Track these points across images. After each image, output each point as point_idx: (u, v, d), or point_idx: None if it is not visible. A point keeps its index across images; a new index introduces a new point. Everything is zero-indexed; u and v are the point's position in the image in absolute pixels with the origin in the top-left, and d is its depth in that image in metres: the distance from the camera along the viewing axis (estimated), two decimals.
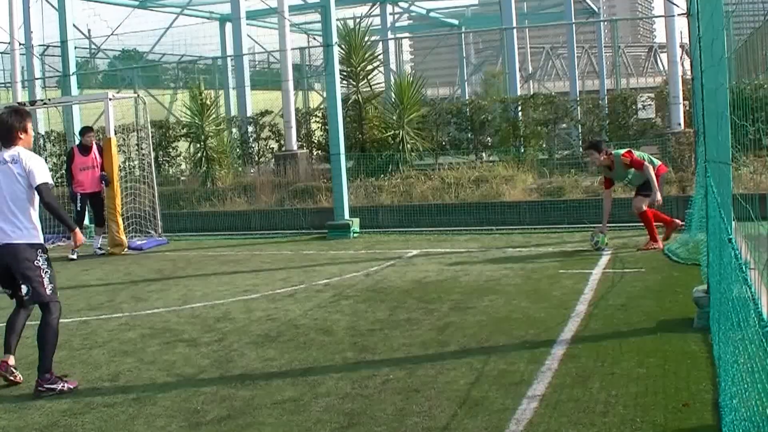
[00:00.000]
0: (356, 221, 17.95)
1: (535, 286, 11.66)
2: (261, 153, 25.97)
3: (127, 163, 20.71)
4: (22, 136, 8.70)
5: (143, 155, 20.52)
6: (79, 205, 18.13)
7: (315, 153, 25.47)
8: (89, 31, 37.27)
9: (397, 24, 46.51)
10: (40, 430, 7.12)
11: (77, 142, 19.13)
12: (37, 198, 8.55)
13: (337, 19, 21.80)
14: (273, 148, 25.69)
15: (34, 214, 8.59)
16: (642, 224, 14.56)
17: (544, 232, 16.82)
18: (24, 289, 8.62)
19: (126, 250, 18.09)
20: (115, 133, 18.94)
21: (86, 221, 19.23)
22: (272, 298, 11.98)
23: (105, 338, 10.27)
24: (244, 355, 8.98)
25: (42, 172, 8.56)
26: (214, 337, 9.85)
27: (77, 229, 9.08)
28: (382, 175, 21.06)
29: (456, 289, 11.76)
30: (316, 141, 25.86)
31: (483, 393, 7.22)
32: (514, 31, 29.24)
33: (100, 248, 18.12)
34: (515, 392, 7.17)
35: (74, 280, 14.98)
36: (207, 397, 7.62)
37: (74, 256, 17.49)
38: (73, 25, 26.48)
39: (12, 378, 8.61)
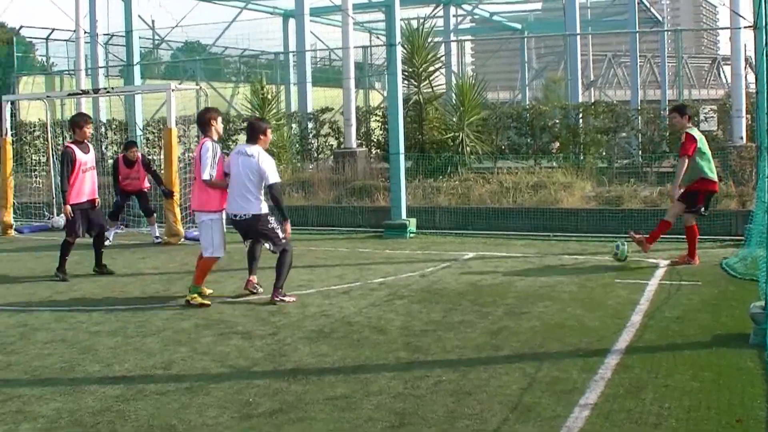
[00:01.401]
0: (413, 221, 17.92)
1: (590, 295, 11.58)
2: (320, 150, 26.05)
3: (186, 155, 20.82)
4: (263, 137, 11.77)
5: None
6: (119, 199, 18.44)
7: (374, 152, 25.49)
8: (153, 22, 37.66)
9: (459, 26, 46.47)
10: (93, 414, 7.19)
11: (127, 143, 19.30)
12: (262, 183, 11.45)
13: (401, 19, 21.81)
14: (332, 145, 25.75)
15: (261, 193, 11.50)
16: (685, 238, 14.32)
17: (600, 241, 16.68)
18: (267, 245, 11.74)
19: (182, 240, 18.24)
20: (176, 124, 19.03)
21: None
22: (327, 294, 12.02)
23: (159, 327, 10.35)
24: (297, 350, 9.01)
25: (273, 173, 11.53)
26: (268, 331, 9.90)
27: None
28: (441, 177, 21.02)
29: (510, 294, 11.70)
30: (375, 140, 25.89)
31: (535, 399, 7.18)
32: (578, 37, 29.02)
33: (157, 237, 18.27)
34: (567, 400, 7.12)
35: (130, 267, 15.12)
36: (259, 390, 7.66)
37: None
38: (138, 16, 26.74)
39: (255, 292, 11.95)
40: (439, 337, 9.37)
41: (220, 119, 12.20)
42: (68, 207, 13.79)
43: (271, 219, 11.63)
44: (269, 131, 12.09)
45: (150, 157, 21.29)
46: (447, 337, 9.40)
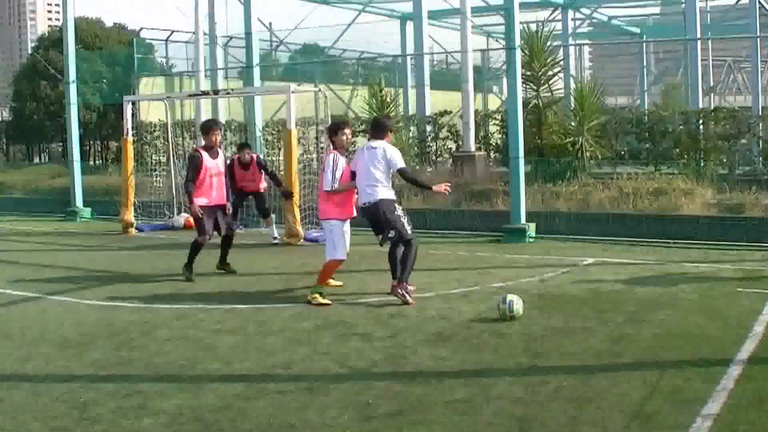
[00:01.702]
0: (532, 226, 17.74)
1: (712, 303, 11.29)
2: (438, 153, 26.00)
3: (305, 156, 20.98)
4: (389, 134, 12.40)
5: (322, 148, 20.73)
6: (235, 199, 18.66)
7: (492, 155, 25.36)
8: (270, 24, 38.06)
9: (578, 30, 46.03)
10: (214, 412, 7.26)
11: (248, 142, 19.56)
12: (389, 171, 11.96)
13: (520, 23, 21.67)
14: (450, 148, 25.68)
15: (388, 181, 11.95)
16: None
17: (722, 249, 16.32)
18: (391, 233, 11.83)
19: (301, 241, 18.35)
20: (295, 126, 19.18)
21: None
22: (446, 297, 11.94)
23: (279, 327, 10.42)
24: (416, 353, 8.98)
25: (400, 159, 12.08)
26: (387, 333, 9.88)
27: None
28: (560, 181, 20.80)
29: (631, 301, 11.50)
30: (494, 143, 25.76)
31: (656, 408, 7.03)
32: (698, 42, 28.50)
33: (275, 238, 18.42)
34: (689, 410, 6.95)
35: (250, 267, 15.27)
36: (379, 392, 7.65)
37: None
38: (258, 19, 27.04)
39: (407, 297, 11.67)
40: (560, 343, 9.26)
41: (348, 131, 12.64)
42: (195, 206, 13.93)
43: (398, 207, 12.00)
44: (394, 128, 12.55)
45: (268, 159, 21.48)
46: (567, 343, 9.28)
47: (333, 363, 8.66)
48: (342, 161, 12.05)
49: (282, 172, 19.06)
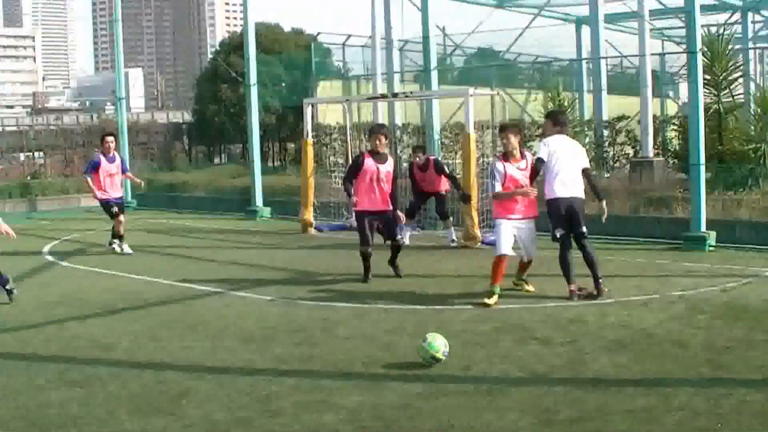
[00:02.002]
0: (712, 234, 17.32)
1: None
2: (615, 158, 25.66)
3: (482, 160, 20.96)
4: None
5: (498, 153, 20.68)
6: (414, 200, 18.79)
7: (671, 162, 24.89)
8: (443, 28, 38.16)
9: (759, 33, 44.69)
10: (394, 409, 7.36)
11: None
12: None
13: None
14: (628, 154, 25.32)
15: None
16: None
17: None
18: (584, 229, 12.11)
19: (479, 244, 18.34)
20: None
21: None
22: (625, 305, 11.74)
23: (458, 328, 10.46)
24: (596, 359, 8.90)
25: (586, 158, 12.56)
26: (566, 338, 9.81)
27: None
28: (740, 189, 20.26)
29: None
30: (672, 149, 25.28)
31: None
32: None
33: (453, 240, 18.46)
34: None
35: (428, 269, 15.37)
36: (558, 397, 7.63)
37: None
38: (436, 25, 27.18)
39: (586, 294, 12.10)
40: (743, 355, 9.02)
41: (512, 137, 12.39)
42: (354, 198, 13.99)
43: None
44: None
45: (445, 161, 21.53)
46: (751, 355, 9.03)
47: (512, 366, 8.67)
48: (504, 167, 12.10)
49: (460, 176, 19.08)
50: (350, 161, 17.54)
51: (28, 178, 36.18)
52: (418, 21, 24.18)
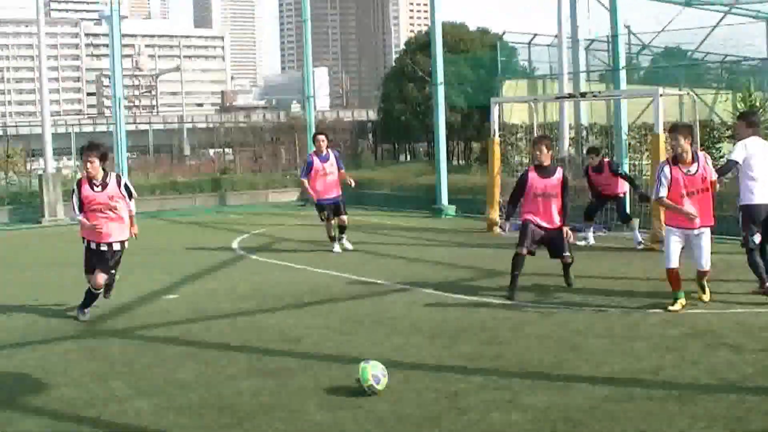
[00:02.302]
0: None
1: None
2: None
3: None
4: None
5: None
6: (594, 202, 18.59)
7: None
8: (628, 27, 37.58)
9: None
10: (582, 412, 7.33)
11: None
12: None
13: None
14: None
15: None
16: None
17: None
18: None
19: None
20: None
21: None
22: None
23: (647, 332, 10.33)
24: None
25: None
26: (758, 346, 9.52)
27: None
28: None
29: None
30: None
31: None
32: None
33: (639, 242, 18.19)
34: None
35: (614, 271, 15.18)
36: (751, 406, 7.44)
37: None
38: (625, 26, 26.80)
39: None
40: None
41: (682, 139, 11.46)
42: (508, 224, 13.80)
43: None
44: None
45: (631, 163, 21.27)
46: None
47: (702, 373, 8.48)
48: (671, 171, 11.43)
49: (647, 177, 18.79)
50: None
51: (219, 173, 37.31)
52: (604, 20, 23.99)
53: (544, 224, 13.01)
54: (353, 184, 18.76)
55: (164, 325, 11.45)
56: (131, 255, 12.58)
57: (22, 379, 8.83)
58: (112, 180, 11.68)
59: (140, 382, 8.63)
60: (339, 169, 18.43)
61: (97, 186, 11.52)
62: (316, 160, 18.17)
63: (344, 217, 18.39)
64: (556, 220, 13.10)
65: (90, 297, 11.73)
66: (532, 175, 13.04)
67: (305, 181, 18.38)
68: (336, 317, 11.69)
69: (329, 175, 18.18)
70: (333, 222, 18.32)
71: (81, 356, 8.68)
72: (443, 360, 9.22)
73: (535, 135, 23.13)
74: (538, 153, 12.74)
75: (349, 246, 18.51)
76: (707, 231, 11.61)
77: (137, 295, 13.51)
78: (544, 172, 13.06)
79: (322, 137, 18.55)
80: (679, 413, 7.27)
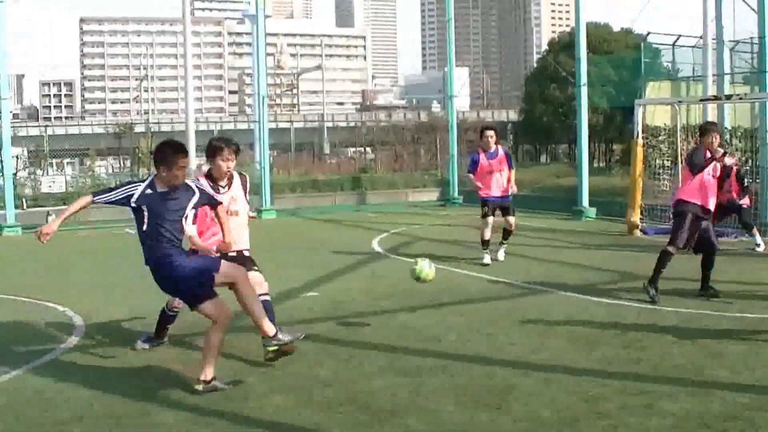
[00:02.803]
0: None
1: None
2: None
3: None
4: None
5: None
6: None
7: None
8: None
9: None
10: (721, 420, 7.21)
11: None
12: None
13: None
14: None
15: None
16: None
17: None
18: None
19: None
20: None
21: None
22: None
23: None
24: None
25: None
26: None
27: None
28: None
29: None
30: None
31: None
32: None
33: (758, 245, 17.84)
34: None
35: (755, 277, 14.89)
36: None
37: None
38: None
39: None
40: None
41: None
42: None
43: None
44: None
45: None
46: None
47: None
48: None
49: None
50: (681, 164, 17.15)
51: (359, 172, 37.67)
52: (749, 20, 23.46)
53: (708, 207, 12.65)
54: (515, 190, 17.08)
55: (304, 321, 11.60)
56: (271, 252, 12.78)
57: (162, 373, 9.13)
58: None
59: (278, 378, 8.79)
60: (509, 168, 16.96)
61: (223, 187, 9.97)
62: (482, 157, 16.70)
63: (512, 219, 17.00)
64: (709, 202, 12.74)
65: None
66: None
67: (472, 176, 16.93)
68: (474, 317, 11.71)
69: (497, 173, 16.71)
70: (493, 223, 16.78)
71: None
72: (581, 363, 9.17)
73: (678, 138, 22.86)
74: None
75: (502, 257, 17.09)
76: None
77: (277, 292, 13.70)
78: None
79: (490, 132, 16.96)
80: None
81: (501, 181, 16.73)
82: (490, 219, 16.70)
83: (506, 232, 17.14)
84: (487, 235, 16.66)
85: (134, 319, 11.64)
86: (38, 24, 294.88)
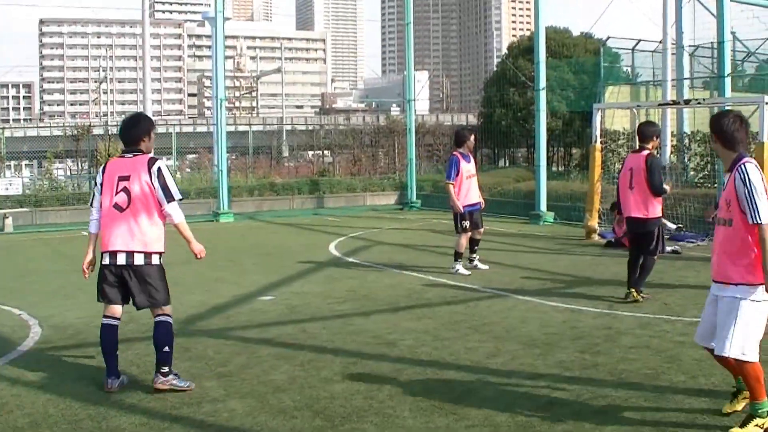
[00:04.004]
0: None
1: None
2: None
3: None
4: None
5: None
6: None
7: None
8: (733, 34, 36.97)
9: None
10: (678, 424, 7.20)
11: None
12: None
13: None
14: None
15: None
16: None
17: None
18: None
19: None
20: None
21: None
22: None
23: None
24: None
25: None
26: None
27: None
28: None
29: None
30: None
31: None
32: None
33: None
34: None
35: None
36: None
37: None
38: (731, 32, 26.35)
39: None
40: None
41: None
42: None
43: None
44: None
45: None
46: None
47: None
48: None
49: None
50: None
51: (317, 175, 37.58)
52: (708, 26, 23.64)
53: None
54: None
55: (259, 326, 11.55)
56: (228, 256, 12.68)
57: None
58: None
59: (234, 382, 8.72)
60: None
61: None
62: (463, 162, 16.04)
63: (482, 230, 16.83)
64: None
65: None
66: None
67: (452, 185, 15.99)
68: (431, 322, 11.65)
69: (473, 178, 16.32)
70: (469, 235, 16.37)
71: (176, 355, 8.75)
72: (538, 368, 9.13)
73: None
74: None
75: (482, 266, 16.64)
76: None
77: (233, 296, 13.67)
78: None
79: (472, 136, 16.65)
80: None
81: (476, 188, 16.49)
82: (470, 233, 16.37)
83: (475, 242, 16.79)
84: (464, 247, 16.27)
85: (92, 324, 11.47)
86: None
